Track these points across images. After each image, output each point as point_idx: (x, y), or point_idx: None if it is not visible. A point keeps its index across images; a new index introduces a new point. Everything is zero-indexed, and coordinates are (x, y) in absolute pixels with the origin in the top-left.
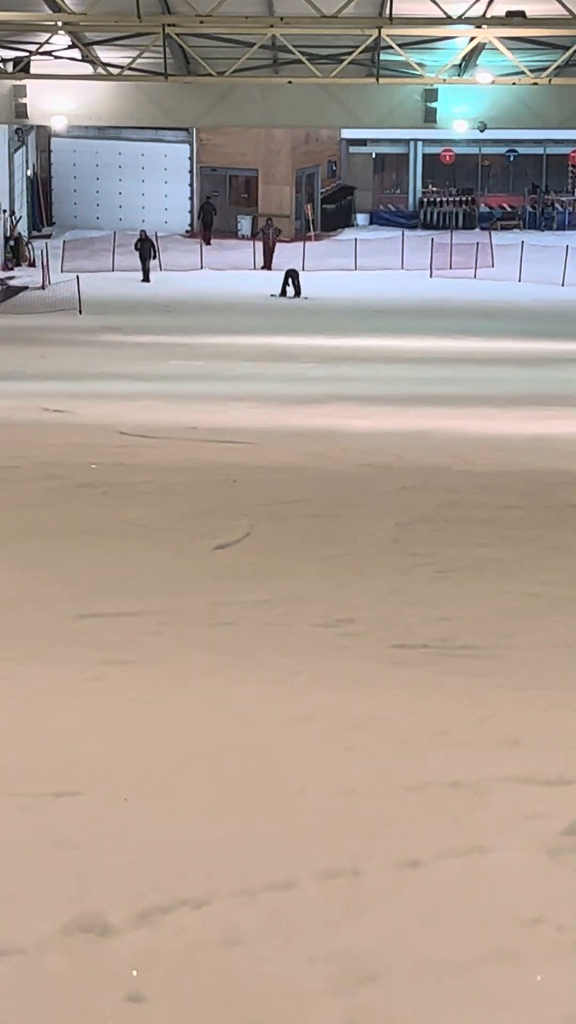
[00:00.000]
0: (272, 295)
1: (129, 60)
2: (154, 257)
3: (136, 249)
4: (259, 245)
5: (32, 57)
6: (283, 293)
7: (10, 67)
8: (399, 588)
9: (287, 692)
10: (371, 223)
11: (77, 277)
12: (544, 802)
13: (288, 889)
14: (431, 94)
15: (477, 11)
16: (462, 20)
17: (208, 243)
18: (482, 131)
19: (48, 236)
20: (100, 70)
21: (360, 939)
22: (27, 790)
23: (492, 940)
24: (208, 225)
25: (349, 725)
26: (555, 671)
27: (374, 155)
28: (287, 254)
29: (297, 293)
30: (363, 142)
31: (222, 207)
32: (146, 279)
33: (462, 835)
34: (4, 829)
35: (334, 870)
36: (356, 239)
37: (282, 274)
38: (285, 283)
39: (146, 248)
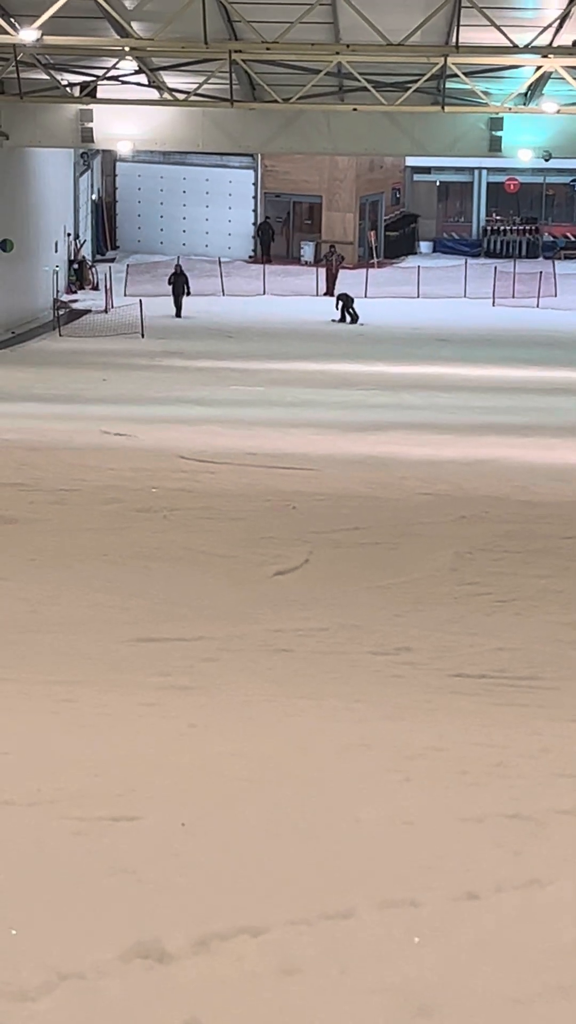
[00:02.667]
0: (333, 320)
1: (195, 86)
2: (187, 293)
3: (169, 283)
4: (322, 271)
5: (99, 82)
6: (342, 319)
7: (77, 91)
8: (457, 617)
9: (344, 720)
10: (434, 251)
11: (140, 301)
12: None
13: (346, 919)
14: (496, 123)
15: (543, 40)
16: (528, 49)
17: (265, 263)
18: (547, 160)
19: (112, 260)
20: (166, 95)
21: (417, 971)
22: (84, 814)
23: (551, 975)
24: (266, 246)
25: (407, 755)
26: None
27: (438, 183)
28: (349, 281)
29: (354, 319)
30: (427, 170)
31: (285, 233)
32: (178, 314)
33: (520, 868)
34: (61, 853)
35: (392, 901)
36: (419, 267)
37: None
38: (341, 308)
39: (179, 283)
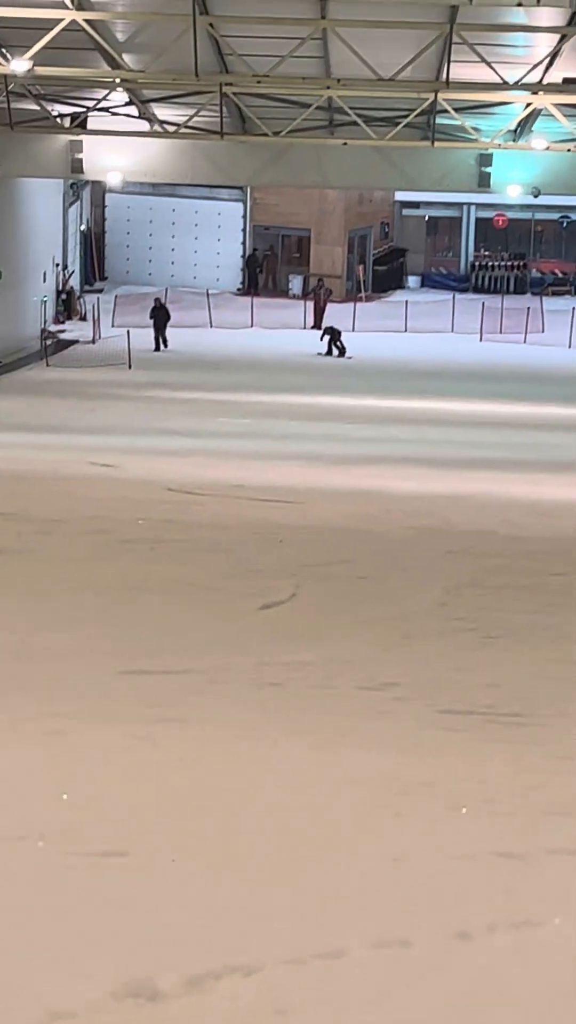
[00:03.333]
0: (319, 353)
1: (186, 118)
2: (163, 328)
3: (150, 317)
4: (310, 305)
5: (89, 113)
6: (328, 352)
7: (67, 122)
8: (445, 653)
9: (334, 755)
10: (422, 285)
11: (127, 332)
12: None
13: (338, 958)
14: (486, 159)
15: (534, 77)
16: (519, 86)
17: (253, 295)
18: (536, 196)
19: (100, 291)
20: (156, 127)
21: (411, 1012)
22: (74, 848)
23: (546, 1017)
24: (254, 278)
25: (396, 791)
26: None
27: (427, 218)
28: (337, 314)
29: (341, 353)
30: (416, 204)
31: (273, 266)
32: (157, 348)
33: (512, 907)
34: (52, 888)
35: (384, 940)
36: (407, 301)
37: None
38: (328, 341)
39: (160, 316)
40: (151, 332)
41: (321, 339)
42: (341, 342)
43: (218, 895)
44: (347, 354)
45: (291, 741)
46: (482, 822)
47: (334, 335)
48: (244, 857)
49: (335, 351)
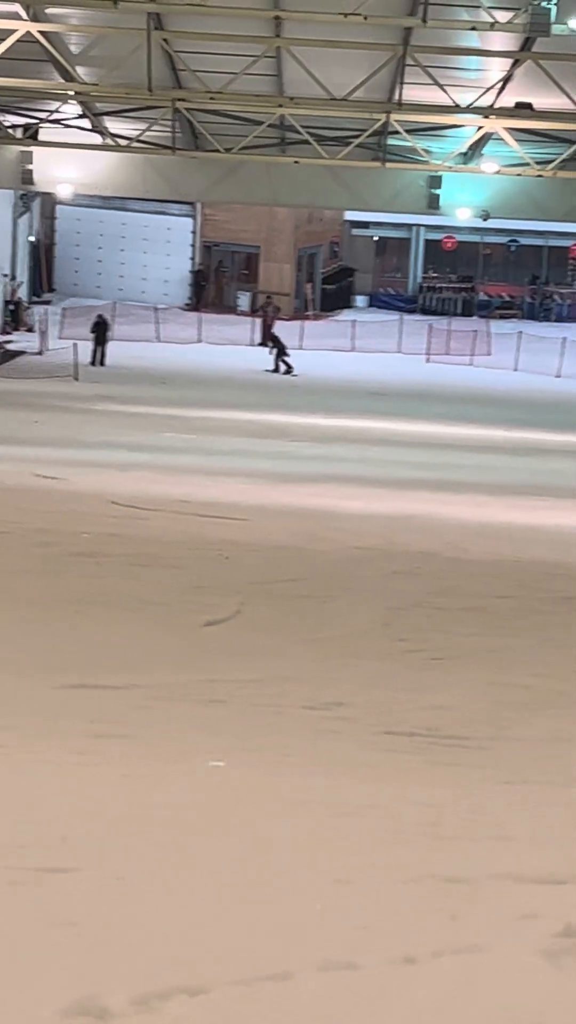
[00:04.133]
0: (266, 370)
1: (138, 132)
2: (105, 342)
3: (91, 332)
4: (258, 321)
5: (41, 124)
6: (276, 368)
7: (19, 133)
8: (390, 674)
9: (279, 775)
10: (370, 305)
11: (75, 344)
12: (538, 901)
13: (285, 980)
14: (436, 181)
15: (486, 101)
16: (470, 109)
17: (200, 310)
18: (485, 220)
19: (48, 302)
20: (108, 141)
21: None
22: (19, 863)
23: None
24: (200, 294)
25: (342, 812)
26: (545, 766)
27: (376, 238)
28: (284, 333)
29: (288, 370)
30: (366, 224)
31: (220, 282)
32: (94, 363)
33: (458, 932)
34: None
35: (331, 963)
36: (355, 320)
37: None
38: (276, 355)
39: (101, 331)
40: (126, 342)
41: (269, 351)
42: (287, 360)
43: (163, 914)
44: (293, 372)
45: (236, 759)
46: (427, 846)
47: (280, 350)
48: (189, 876)
49: (282, 367)
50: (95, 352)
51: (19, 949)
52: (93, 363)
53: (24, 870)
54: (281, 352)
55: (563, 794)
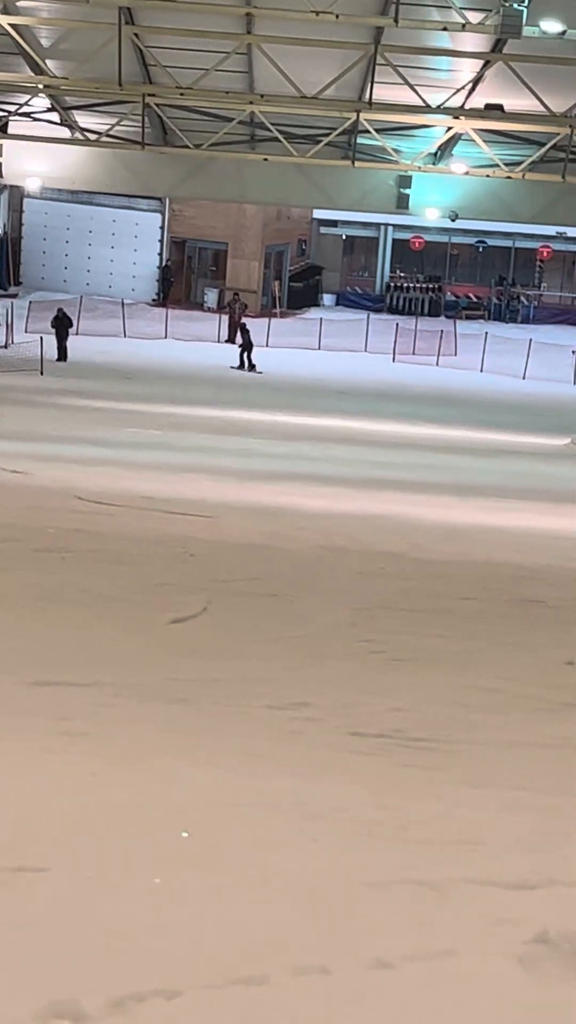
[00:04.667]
0: (232, 367)
1: (107, 127)
2: (66, 337)
3: (52, 327)
4: (225, 318)
5: (10, 117)
6: (240, 365)
7: None
8: (355, 675)
9: (245, 776)
10: (337, 304)
11: (40, 338)
12: (510, 907)
13: (259, 985)
14: (405, 180)
15: (456, 102)
16: (441, 110)
17: (166, 306)
18: (453, 220)
19: (14, 296)
20: (78, 135)
21: None
22: None
23: None
24: (167, 290)
25: (309, 815)
26: (512, 770)
27: (344, 237)
28: (251, 330)
29: (251, 367)
30: (334, 223)
31: (190, 278)
32: (61, 358)
33: (430, 937)
34: None
35: (303, 967)
36: (321, 319)
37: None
38: (240, 351)
39: (62, 327)
40: (92, 337)
41: (239, 346)
42: (251, 357)
43: (135, 916)
44: (257, 369)
45: (202, 759)
46: (395, 849)
47: (247, 347)
48: (160, 877)
49: (246, 364)
50: (59, 348)
51: None
52: (60, 358)
53: None
54: (247, 349)
55: (530, 799)
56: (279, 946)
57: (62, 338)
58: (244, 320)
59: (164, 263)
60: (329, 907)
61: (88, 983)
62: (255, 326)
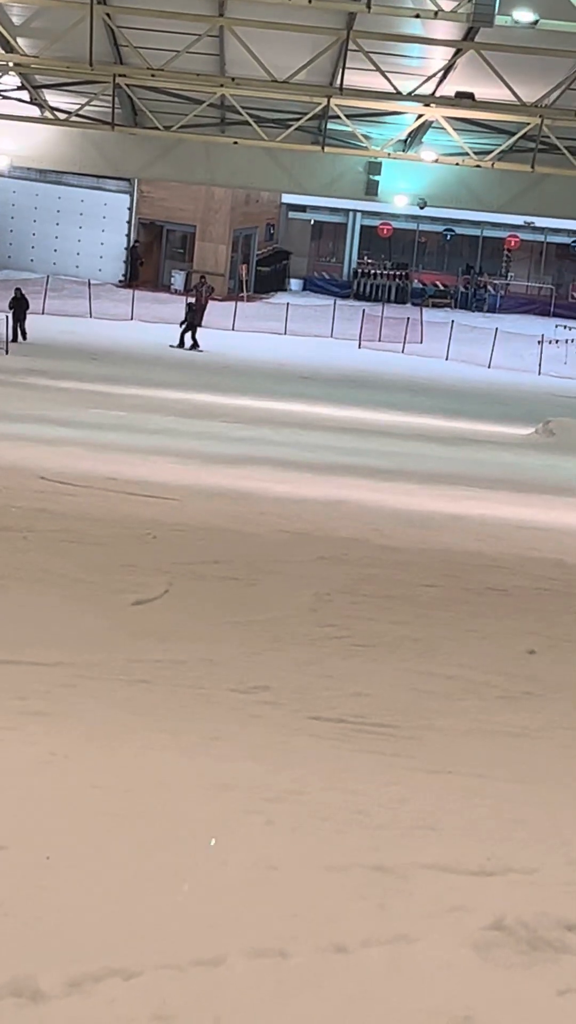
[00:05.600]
0: (170, 345)
1: (77, 107)
2: (24, 318)
3: (9, 308)
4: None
5: None
6: (180, 344)
7: None
8: (315, 659)
9: (204, 758)
10: (304, 289)
11: (5, 317)
12: (467, 893)
13: (216, 966)
14: (374, 167)
15: (427, 89)
16: (411, 97)
17: (133, 287)
18: (422, 208)
19: None
20: (47, 114)
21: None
22: None
23: None
24: (135, 270)
25: (267, 797)
26: (470, 756)
27: (312, 222)
28: (217, 312)
29: (194, 345)
30: (303, 208)
31: (158, 260)
32: (15, 339)
33: (387, 922)
34: None
35: (261, 950)
36: (288, 304)
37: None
38: (184, 330)
39: (20, 308)
40: (29, 319)
41: (182, 325)
42: (195, 336)
43: (94, 896)
44: (200, 348)
45: (162, 741)
46: (353, 834)
47: (192, 325)
48: (118, 858)
49: (187, 343)
50: (15, 328)
51: None
52: (15, 339)
53: None
54: (192, 327)
55: (488, 786)
56: (236, 928)
57: (19, 319)
58: (191, 300)
59: (132, 243)
60: (287, 890)
61: (45, 962)
62: (221, 310)
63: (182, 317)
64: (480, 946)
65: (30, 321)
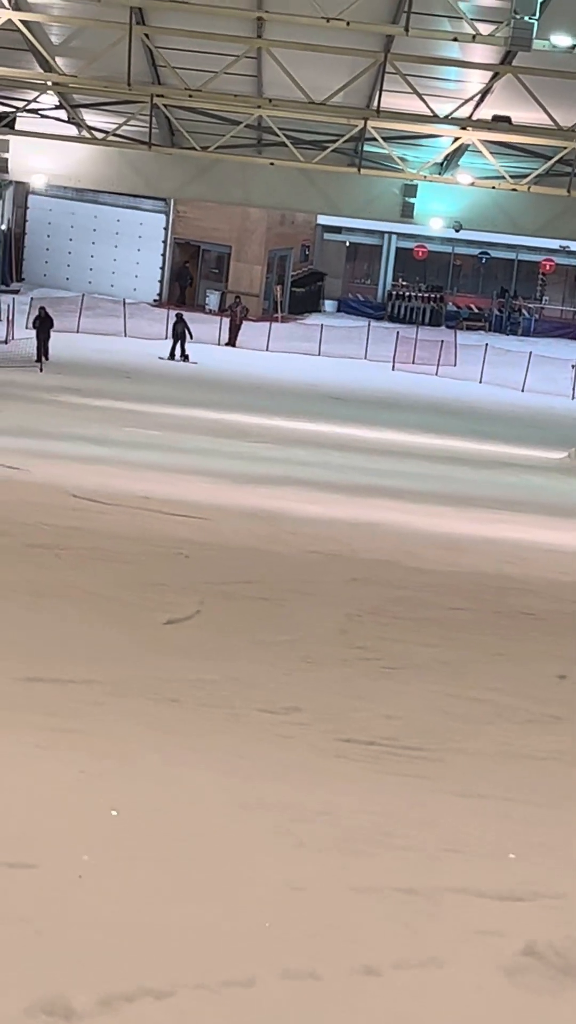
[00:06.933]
0: (160, 358)
1: (115, 126)
2: (48, 338)
3: (33, 327)
4: (226, 321)
5: (18, 114)
6: (171, 355)
7: None
8: (345, 681)
9: (234, 777)
10: (339, 310)
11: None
12: (497, 918)
13: (249, 987)
14: (410, 189)
15: (464, 112)
16: (448, 120)
17: (181, 307)
18: (457, 231)
19: (16, 292)
20: (85, 133)
21: None
22: None
23: None
24: (183, 290)
25: (296, 818)
26: (499, 780)
27: (348, 243)
28: (252, 333)
29: (184, 357)
30: (338, 229)
31: (193, 280)
32: (40, 358)
33: (417, 945)
34: None
35: (293, 971)
36: (322, 325)
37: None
38: (174, 343)
39: (45, 327)
40: (67, 336)
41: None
42: (184, 348)
43: (125, 915)
44: (191, 360)
45: (191, 760)
46: (383, 856)
47: (181, 336)
48: (149, 877)
49: (178, 354)
50: (39, 348)
51: None
52: (38, 359)
53: None
54: (181, 339)
55: (516, 809)
56: (267, 949)
57: (43, 339)
58: (181, 311)
59: (182, 263)
60: (317, 911)
61: (77, 981)
62: (256, 330)
63: (174, 330)
64: (511, 971)
65: (62, 339)
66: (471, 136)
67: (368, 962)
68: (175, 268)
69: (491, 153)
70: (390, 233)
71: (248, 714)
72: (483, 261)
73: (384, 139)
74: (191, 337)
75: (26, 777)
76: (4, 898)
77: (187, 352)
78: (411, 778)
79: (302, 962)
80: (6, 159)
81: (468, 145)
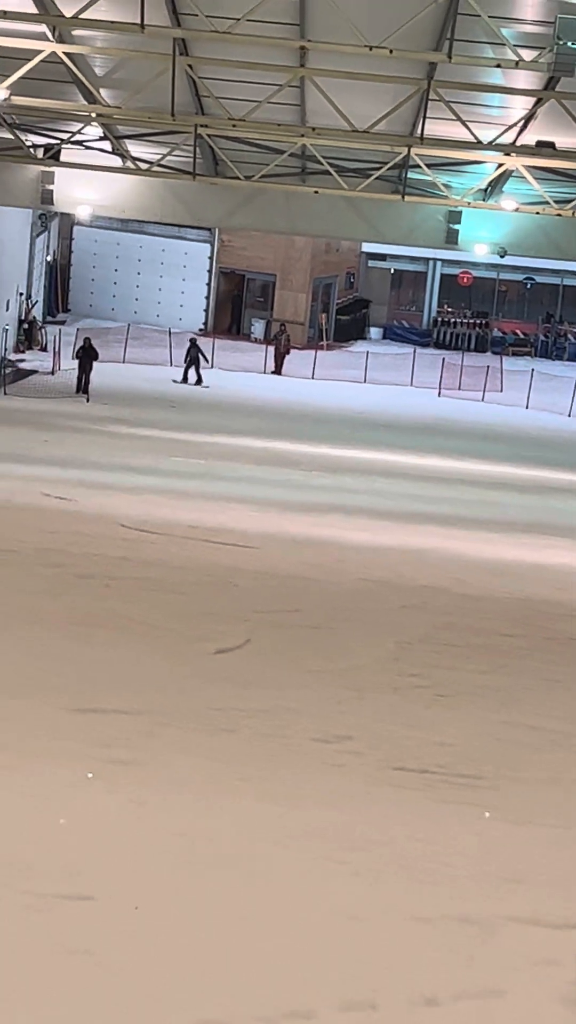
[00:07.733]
0: (174, 380)
1: (159, 156)
2: (90, 369)
3: (76, 358)
4: (271, 350)
5: (63, 145)
6: (184, 379)
7: (40, 153)
8: (398, 708)
9: (287, 807)
10: (384, 337)
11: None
12: (555, 946)
13: (309, 1019)
14: (454, 216)
15: (507, 138)
16: (492, 146)
17: (234, 336)
18: (502, 256)
19: (62, 323)
20: (129, 164)
21: None
22: (34, 888)
23: None
24: (236, 319)
25: (351, 847)
26: (555, 807)
27: (392, 271)
28: (297, 361)
29: (199, 381)
30: (383, 257)
31: (238, 309)
32: (79, 390)
33: (475, 975)
34: (14, 930)
35: (352, 1002)
36: (368, 352)
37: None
38: (188, 365)
39: (88, 358)
40: (113, 366)
41: (185, 360)
42: (199, 371)
43: (182, 946)
44: (204, 384)
45: (244, 789)
46: (439, 885)
47: (195, 358)
48: (204, 907)
49: (191, 378)
50: (80, 379)
51: (39, 975)
52: (78, 391)
53: (39, 896)
54: (195, 363)
55: (572, 837)
56: (325, 979)
57: (86, 370)
58: (195, 336)
59: (236, 294)
60: (373, 941)
61: (138, 1012)
62: (301, 358)
63: (187, 355)
64: (569, 1000)
65: (108, 369)
66: (515, 162)
67: (427, 992)
68: (219, 297)
69: (535, 178)
70: (435, 260)
71: (301, 743)
72: (528, 286)
73: (428, 166)
74: (206, 361)
75: (79, 808)
76: (58, 930)
77: (201, 376)
78: (467, 806)
79: (361, 993)
80: (51, 191)
81: (512, 171)
